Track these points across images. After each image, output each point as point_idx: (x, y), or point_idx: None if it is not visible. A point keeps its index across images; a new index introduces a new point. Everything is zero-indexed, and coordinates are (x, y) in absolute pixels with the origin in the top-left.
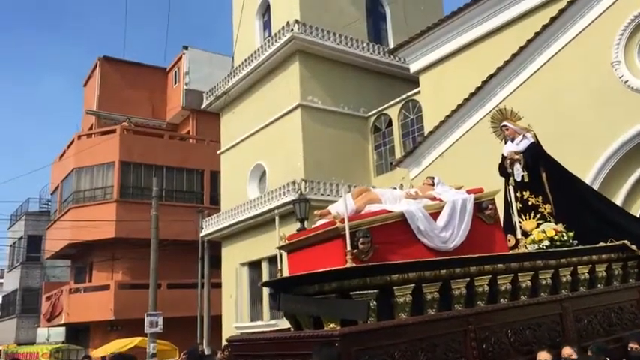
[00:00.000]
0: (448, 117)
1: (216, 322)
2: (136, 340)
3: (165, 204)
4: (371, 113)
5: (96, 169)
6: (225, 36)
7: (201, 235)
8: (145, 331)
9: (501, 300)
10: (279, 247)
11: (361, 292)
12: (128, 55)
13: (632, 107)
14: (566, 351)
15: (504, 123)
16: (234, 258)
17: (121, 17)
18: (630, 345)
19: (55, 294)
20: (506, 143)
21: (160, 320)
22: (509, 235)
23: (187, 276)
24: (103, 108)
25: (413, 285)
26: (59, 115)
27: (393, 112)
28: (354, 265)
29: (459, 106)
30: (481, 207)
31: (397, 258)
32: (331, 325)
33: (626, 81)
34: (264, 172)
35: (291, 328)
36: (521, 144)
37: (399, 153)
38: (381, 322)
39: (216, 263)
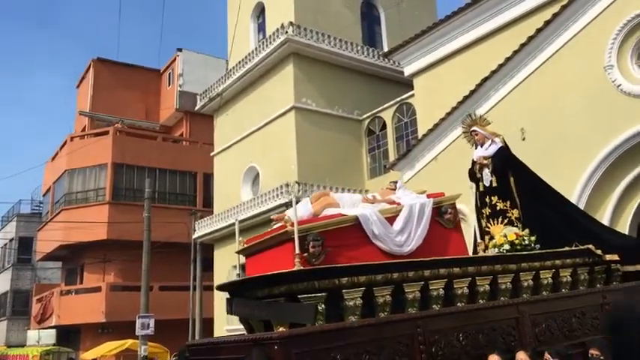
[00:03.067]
0: (442, 120)
1: (208, 324)
2: (127, 343)
3: (158, 206)
4: (365, 116)
5: (88, 171)
6: (220, 38)
7: (193, 237)
8: (137, 334)
9: (458, 304)
10: (238, 252)
11: (309, 295)
12: (121, 57)
13: (625, 111)
14: (520, 356)
15: (474, 128)
16: (226, 260)
17: (114, 18)
18: (591, 351)
19: (45, 296)
20: (476, 148)
21: (152, 322)
22: (479, 240)
23: (179, 278)
24: (96, 109)
25: (363, 288)
26: (52, 116)
27: (387, 115)
28: (302, 268)
29: (453, 109)
30: (440, 211)
31: (350, 262)
32: (280, 329)
33: (619, 85)
34: (258, 174)
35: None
36: (490, 149)
37: (392, 156)
38: (322, 325)
39: (208, 266)
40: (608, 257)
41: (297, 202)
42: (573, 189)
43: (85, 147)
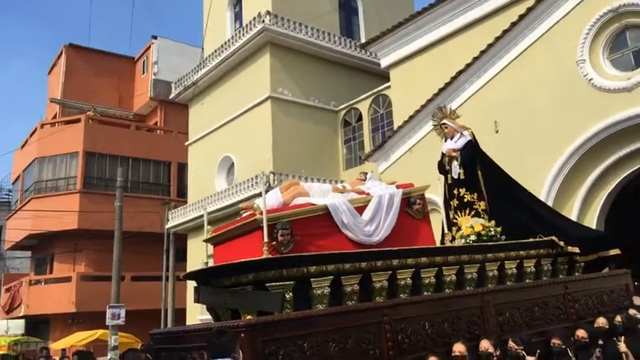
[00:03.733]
0: (417, 112)
1: (180, 315)
2: (97, 333)
3: (131, 195)
4: (341, 107)
5: (59, 159)
6: (196, 27)
7: (166, 227)
8: (107, 324)
9: (425, 293)
10: (206, 240)
11: (277, 283)
12: (95, 44)
13: (596, 105)
14: (484, 344)
15: (444, 121)
16: (200, 250)
17: (87, 4)
18: (553, 341)
19: (14, 286)
20: (445, 141)
21: (123, 312)
22: (447, 231)
23: (152, 269)
24: (67, 96)
25: (331, 277)
26: (22, 103)
27: (363, 107)
28: (270, 256)
29: (429, 101)
30: (409, 202)
31: (319, 250)
32: (248, 317)
33: (591, 79)
34: (233, 164)
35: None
36: (459, 142)
37: (368, 147)
38: (289, 314)
39: (182, 256)
40: (570, 249)
41: (267, 192)
42: (543, 181)
43: (56, 135)
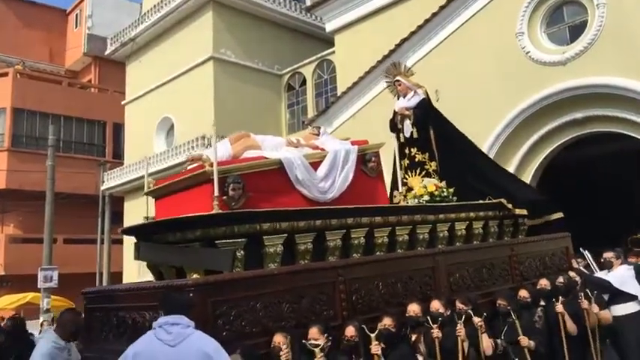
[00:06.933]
0: (361, 79)
1: (117, 278)
2: (28, 296)
3: (63, 155)
4: (285, 71)
5: None
6: None
7: (102, 188)
8: (39, 286)
9: (377, 253)
10: (147, 193)
11: (228, 240)
12: None
13: (532, 77)
14: (434, 305)
15: (397, 78)
16: (138, 213)
17: None
18: (498, 302)
19: None
20: (398, 99)
21: (55, 275)
22: (396, 191)
23: (87, 231)
24: None
25: (285, 235)
26: None
27: (307, 71)
28: (220, 211)
29: (372, 68)
30: (364, 159)
31: (271, 207)
32: (194, 276)
33: (528, 52)
34: (172, 125)
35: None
36: (412, 100)
37: (311, 112)
38: (240, 273)
39: (118, 219)
40: (518, 211)
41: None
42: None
43: None
